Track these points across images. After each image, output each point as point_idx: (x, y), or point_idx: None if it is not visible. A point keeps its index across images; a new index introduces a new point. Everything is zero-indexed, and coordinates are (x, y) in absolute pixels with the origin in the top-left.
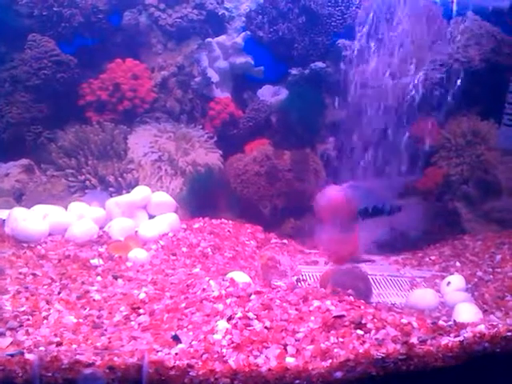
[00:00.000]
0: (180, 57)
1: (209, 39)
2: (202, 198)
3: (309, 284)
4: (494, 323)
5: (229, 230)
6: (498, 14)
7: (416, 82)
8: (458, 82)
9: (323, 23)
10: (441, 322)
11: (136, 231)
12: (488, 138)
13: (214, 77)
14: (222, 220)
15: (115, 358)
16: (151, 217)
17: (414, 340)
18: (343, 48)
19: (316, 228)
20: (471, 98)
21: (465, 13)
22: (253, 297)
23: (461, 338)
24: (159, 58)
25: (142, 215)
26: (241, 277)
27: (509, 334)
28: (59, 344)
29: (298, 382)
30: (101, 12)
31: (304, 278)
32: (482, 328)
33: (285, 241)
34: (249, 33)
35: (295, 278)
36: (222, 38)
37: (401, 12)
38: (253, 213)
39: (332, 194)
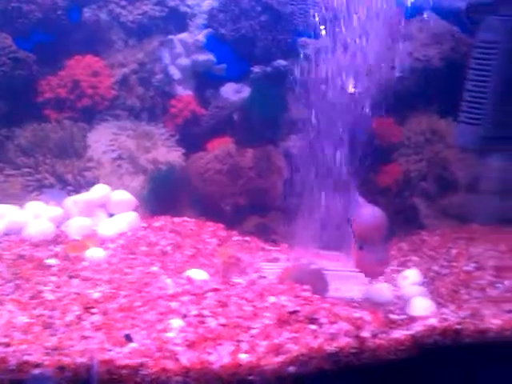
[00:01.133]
0: (141, 54)
1: (170, 36)
2: (164, 196)
3: (269, 281)
4: (445, 316)
5: (190, 229)
6: (456, 13)
7: (376, 80)
8: (418, 80)
9: (285, 21)
10: (393, 316)
11: (95, 230)
12: (446, 136)
13: (176, 74)
14: (184, 218)
15: (65, 358)
16: (111, 215)
17: (365, 334)
18: (305, 46)
19: (355, 245)
20: (431, 96)
21: (424, 12)
22: (209, 294)
23: (412, 332)
24: (120, 54)
25: (101, 214)
26: (198, 274)
27: (459, 326)
28: (7, 345)
29: (251, 378)
30: (60, 8)
31: (265, 274)
32: (432, 321)
33: (247, 238)
34: (211, 30)
35: (256, 274)
36: (183, 35)
37: (361, 10)
38: (215, 211)
39: (373, 213)
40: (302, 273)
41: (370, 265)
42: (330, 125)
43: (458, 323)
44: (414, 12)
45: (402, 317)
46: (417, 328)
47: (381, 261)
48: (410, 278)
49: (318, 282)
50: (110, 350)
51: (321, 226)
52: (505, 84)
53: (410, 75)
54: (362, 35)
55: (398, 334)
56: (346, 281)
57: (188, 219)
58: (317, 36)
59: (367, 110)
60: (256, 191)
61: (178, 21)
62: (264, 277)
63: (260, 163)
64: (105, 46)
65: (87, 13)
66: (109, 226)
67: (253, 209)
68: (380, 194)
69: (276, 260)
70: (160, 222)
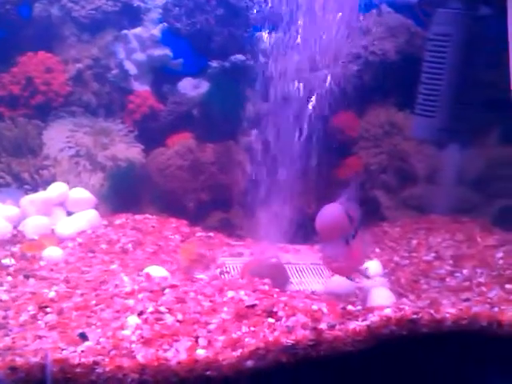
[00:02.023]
0: (95, 49)
1: (125, 31)
2: (125, 193)
3: (232, 276)
4: (401, 306)
5: (152, 225)
6: (409, 6)
7: (334, 74)
8: (375, 73)
9: (241, 16)
10: (350, 307)
11: (53, 229)
12: (404, 128)
13: (132, 69)
14: (146, 215)
15: (17, 358)
16: (70, 214)
17: (322, 326)
18: (262, 40)
19: (321, 245)
20: (388, 89)
21: (379, 6)
22: (167, 291)
23: (368, 322)
24: (73, 50)
25: (60, 213)
26: (158, 271)
27: (414, 316)
28: None
29: (208, 373)
30: (8, 3)
31: (228, 269)
32: (388, 311)
33: (210, 234)
34: (166, 25)
35: (218, 270)
36: (138, 30)
37: (317, 5)
38: (178, 207)
39: (331, 212)
40: (261, 267)
41: (332, 262)
42: (289, 119)
43: (415, 313)
44: (369, 6)
45: (359, 308)
46: (372, 318)
47: (343, 258)
48: (371, 269)
49: (277, 275)
50: (64, 349)
51: (286, 219)
52: (458, 76)
53: (366, 69)
54: (319, 29)
55: (354, 324)
56: (310, 274)
57: (150, 216)
58: (274, 30)
59: (326, 104)
60: (218, 186)
61: (132, 15)
62: (227, 272)
63: (221, 158)
64: (57, 42)
65: (38, 8)
66: (67, 225)
67: (216, 204)
68: (341, 187)
69: (240, 255)
70: (121, 219)
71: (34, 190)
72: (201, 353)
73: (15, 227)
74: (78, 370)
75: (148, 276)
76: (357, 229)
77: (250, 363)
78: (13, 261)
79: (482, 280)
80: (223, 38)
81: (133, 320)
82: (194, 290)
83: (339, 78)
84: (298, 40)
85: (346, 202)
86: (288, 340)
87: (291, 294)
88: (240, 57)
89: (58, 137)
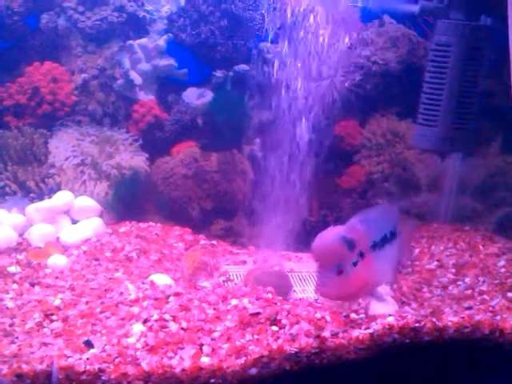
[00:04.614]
0: (101, 59)
1: (130, 41)
2: (129, 201)
3: (235, 283)
4: (404, 314)
5: (156, 233)
6: (411, 17)
7: (336, 83)
8: (377, 83)
9: (245, 26)
10: (353, 315)
11: (58, 237)
12: (406, 137)
13: (137, 79)
14: (150, 223)
15: (23, 365)
16: (75, 222)
17: (326, 334)
18: (265, 51)
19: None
20: (390, 99)
21: (381, 16)
22: (171, 298)
23: (371, 330)
24: (79, 60)
25: (65, 221)
26: (162, 279)
27: (417, 324)
28: None
29: (213, 380)
30: (16, 14)
31: (231, 277)
32: (390, 320)
33: (214, 242)
34: (171, 35)
35: (222, 278)
36: (143, 41)
37: (320, 15)
38: (182, 215)
39: (325, 238)
40: (264, 275)
41: (322, 290)
42: (293, 128)
43: (417, 321)
44: (371, 16)
45: (362, 316)
46: (375, 327)
47: (334, 287)
48: None
49: (281, 283)
50: (69, 357)
51: (288, 228)
52: (459, 86)
53: (369, 78)
54: (321, 40)
55: (357, 332)
56: (313, 282)
57: (153, 224)
58: (277, 41)
59: (329, 113)
60: (222, 195)
61: (138, 26)
62: (231, 280)
63: (225, 167)
64: (64, 52)
65: (45, 19)
66: (72, 233)
67: (219, 212)
68: (344, 195)
69: (243, 263)
70: (125, 227)
71: (40, 198)
72: (205, 360)
73: (21, 235)
74: (83, 377)
75: (152, 284)
76: (363, 255)
77: (253, 371)
78: (18, 268)
79: (484, 288)
80: (227, 48)
81: (137, 327)
82: (198, 298)
83: (342, 88)
84: (301, 50)
85: (359, 223)
86: (292, 348)
87: (294, 302)
88: (243, 66)
89: (63, 146)
